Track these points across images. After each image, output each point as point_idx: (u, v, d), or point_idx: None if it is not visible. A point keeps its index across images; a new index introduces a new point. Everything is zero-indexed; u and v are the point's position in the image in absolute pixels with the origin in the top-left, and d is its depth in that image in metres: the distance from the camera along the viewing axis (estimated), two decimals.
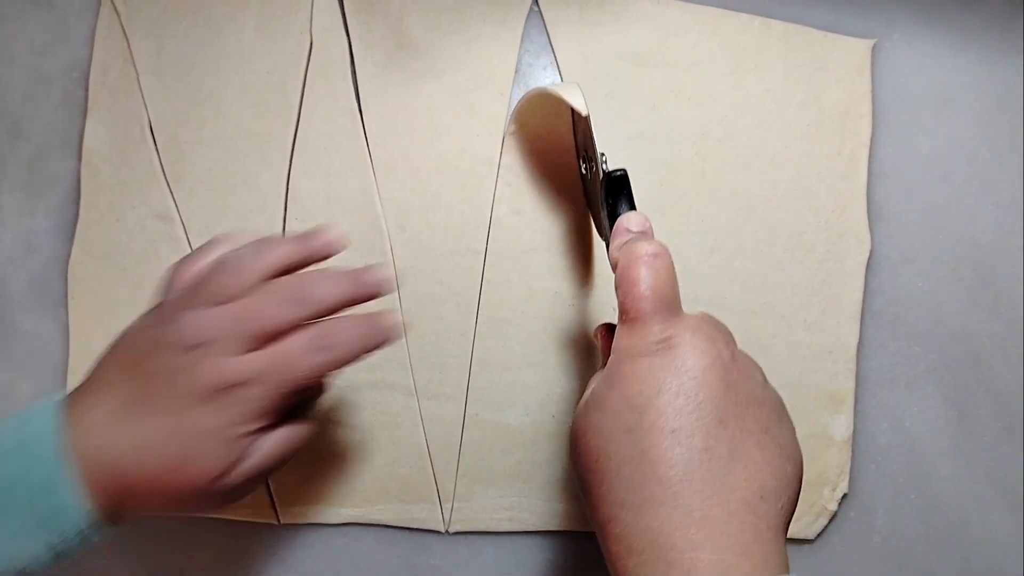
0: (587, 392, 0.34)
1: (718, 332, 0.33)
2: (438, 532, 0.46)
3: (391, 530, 0.46)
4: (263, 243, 0.36)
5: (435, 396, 0.46)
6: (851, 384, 0.47)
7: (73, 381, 0.46)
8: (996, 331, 0.48)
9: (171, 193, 0.47)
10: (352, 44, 0.48)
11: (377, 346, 0.35)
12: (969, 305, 0.48)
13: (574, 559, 0.47)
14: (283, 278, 0.35)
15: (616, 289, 0.34)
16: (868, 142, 0.48)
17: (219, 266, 0.35)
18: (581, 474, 0.33)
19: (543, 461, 0.46)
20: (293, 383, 0.33)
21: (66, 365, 0.46)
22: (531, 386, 0.47)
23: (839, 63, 0.48)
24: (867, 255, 0.48)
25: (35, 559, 0.31)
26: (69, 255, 0.46)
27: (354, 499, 0.46)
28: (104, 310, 0.46)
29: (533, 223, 0.47)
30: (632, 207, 0.39)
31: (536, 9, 0.49)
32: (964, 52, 0.49)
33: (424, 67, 0.48)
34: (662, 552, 0.28)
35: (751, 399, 0.32)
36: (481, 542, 0.47)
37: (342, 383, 0.46)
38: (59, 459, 0.31)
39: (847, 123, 0.48)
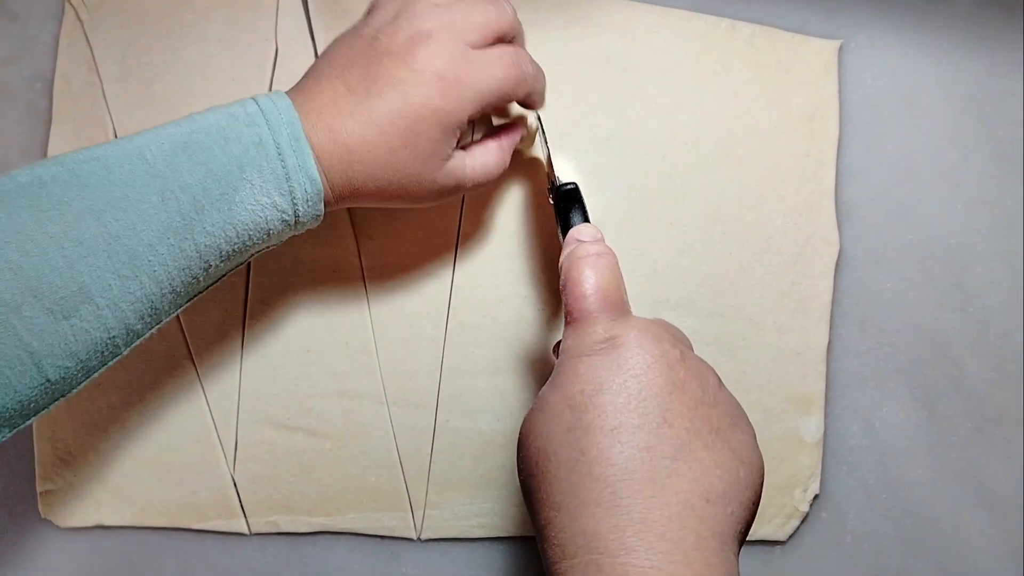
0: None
1: (666, 333, 0.33)
2: (410, 540, 0.46)
3: (362, 538, 0.46)
4: None
5: (405, 404, 0.46)
6: (821, 385, 0.47)
7: None
8: (966, 330, 0.48)
9: None
10: (318, 50, 0.48)
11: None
12: (938, 305, 0.48)
13: None
14: None
15: (561, 292, 0.34)
16: (836, 143, 0.48)
17: None
18: (523, 480, 0.32)
19: (515, 467, 0.46)
20: (494, 85, 0.36)
21: None
22: (502, 392, 0.47)
23: (805, 64, 0.48)
24: (836, 256, 0.48)
25: (280, 221, 0.34)
26: None
27: (325, 508, 0.46)
28: None
29: (502, 228, 0.47)
30: (585, 220, 0.39)
31: None
32: (930, 52, 0.49)
33: None
34: (594, 556, 0.27)
35: (701, 400, 0.31)
36: (453, 549, 0.46)
37: (310, 391, 0.46)
38: (299, 137, 0.34)
39: (814, 125, 0.48)
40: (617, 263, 0.35)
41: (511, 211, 0.47)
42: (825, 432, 0.47)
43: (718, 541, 0.28)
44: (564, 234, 0.39)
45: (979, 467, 0.48)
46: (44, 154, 0.47)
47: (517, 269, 0.47)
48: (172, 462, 0.46)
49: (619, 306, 0.34)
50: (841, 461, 0.48)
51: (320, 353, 0.46)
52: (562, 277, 0.35)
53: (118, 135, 0.47)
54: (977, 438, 0.48)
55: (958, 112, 0.49)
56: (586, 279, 0.33)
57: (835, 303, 0.48)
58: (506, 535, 0.46)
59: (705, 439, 0.30)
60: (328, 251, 0.46)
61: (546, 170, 0.42)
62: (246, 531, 0.46)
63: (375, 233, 0.47)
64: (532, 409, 0.33)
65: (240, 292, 0.46)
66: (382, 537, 0.46)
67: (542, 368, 0.46)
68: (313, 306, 0.46)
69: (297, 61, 0.48)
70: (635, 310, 0.47)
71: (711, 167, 0.48)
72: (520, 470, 0.33)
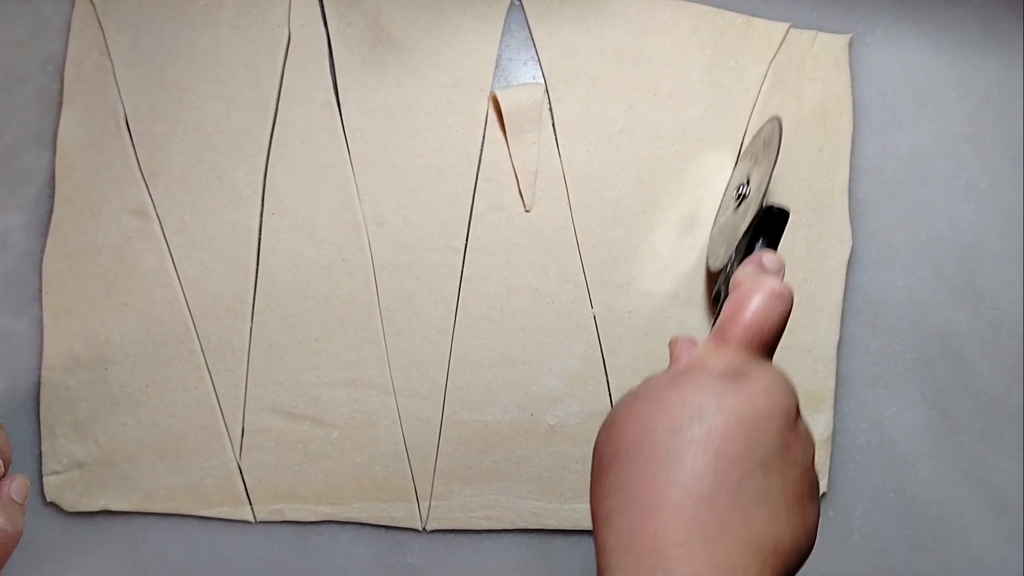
0: (643, 383, 0.34)
1: (793, 396, 0.32)
2: (415, 530, 0.46)
3: (368, 528, 0.46)
4: None
5: (413, 394, 0.46)
6: (831, 383, 0.47)
7: (48, 377, 0.45)
8: (976, 330, 0.48)
9: (147, 188, 0.47)
10: (331, 38, 0.48)
11: None
12: (950, 304, 0.48)
13: (550, 557, 0.46)
14: None
15: (722, 305, 0.34)
16: (849, 139, 0.48)
17: None
18: (604, 454, 0.32)
19: (521, 459, 0.46)
20: None
21: (40, 362, 0.46)
22: (510, 384, 0.46)
23: (816, 60, 0.48)
24: (848, 253, 0.47)
25: None
26: (43, 251, 0.46)
27: (330, 497, 0.46)
28: (79, 306, 0.46)
29: (513, 219, 0.47)
30: (774, 247, 0.39)
31: (517, 3, 0.49)
32: (946, 49, 0.49)
33: (403, 62, 0.48)
34: (661, 563, 0.28)
35: (798, 465, 0.31)
36: (458, 540, 0.46)
37: (318, 380, 0.46)
38: None
39: (827, 121, 0.48)
40: (788, 313, 0.34)
41: (521, 203, 0.47)
42: (834, 430, 0.47)
43: None
44: (746, 252, 0.38)
45: (987, 467, 0.47)
46: (54, 138, 0.47)
47: (527, 261, 0.47)
48: (179, 449, 0.46)
49: (767, 350, 0.33)
50: (849, 459, 0.47)
51: (328, 342, 0.46)
52: (733, 294, 0.34)
53: (129, 120, 0.47)
54: (986, 438, 0.48)
55: (973, 110, 0.49)
56: (754, 310, 0.32)
57: (846, 301, 0.47)
58: (511, 527, 0.46)
59: (789, 500, 0.30)
60: (338, 239, 0.46)
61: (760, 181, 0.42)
62: (251, 519, 0.46)
63: (385, 220, 0.47)
64: (638, 395, 0.33)
65: (250, 280, 0.46)
66: (387, 527, 0.46)
67: (550, 360, 0.46)
68: (322, 295, 0.46)
69: (309, 49, 0.47)
70: (644, 305, 0.47)
71: (723, 162, 0.47)
72: (602, 444, 0.33)
